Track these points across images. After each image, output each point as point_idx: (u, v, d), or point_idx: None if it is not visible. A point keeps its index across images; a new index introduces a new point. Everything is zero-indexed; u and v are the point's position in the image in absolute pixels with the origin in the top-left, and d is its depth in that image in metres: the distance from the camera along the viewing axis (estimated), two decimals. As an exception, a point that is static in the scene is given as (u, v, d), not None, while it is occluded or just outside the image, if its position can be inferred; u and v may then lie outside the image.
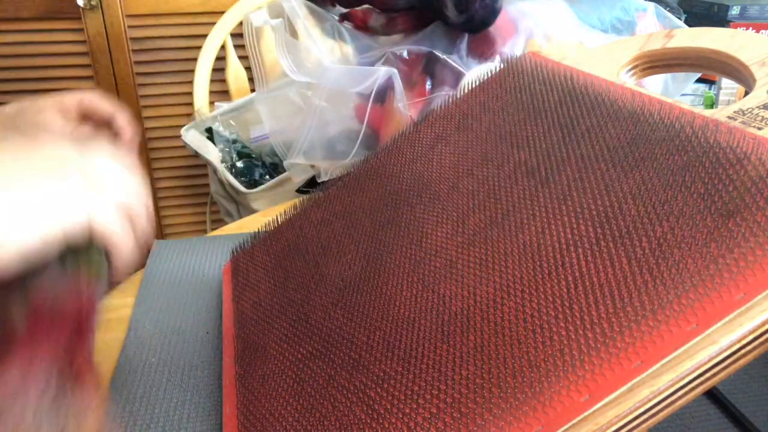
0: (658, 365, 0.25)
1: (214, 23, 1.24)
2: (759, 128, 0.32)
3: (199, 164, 1.52)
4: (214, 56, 1.24)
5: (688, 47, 0.43)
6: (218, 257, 0.61)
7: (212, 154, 1.01)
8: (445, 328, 0.32)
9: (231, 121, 1.07)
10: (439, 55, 0.72)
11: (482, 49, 0.74)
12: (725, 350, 0.25)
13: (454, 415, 0.28)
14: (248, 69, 1.28)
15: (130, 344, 0.49)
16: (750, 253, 0.26)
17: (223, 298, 0.50)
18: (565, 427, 0.25)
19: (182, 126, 1.09)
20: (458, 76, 0.71)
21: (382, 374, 0.32)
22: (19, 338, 0.30)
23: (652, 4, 0.80)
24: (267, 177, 0.99)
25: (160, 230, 1.64)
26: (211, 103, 1.24)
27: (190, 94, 1.23)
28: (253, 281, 0.48)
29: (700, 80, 1.42)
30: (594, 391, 0.25)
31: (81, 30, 1.45)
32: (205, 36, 1.24)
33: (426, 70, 0.74)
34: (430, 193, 0.43)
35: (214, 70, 1.24)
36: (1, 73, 1.45)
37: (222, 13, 1.25)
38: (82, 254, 0.33)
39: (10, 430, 0.27)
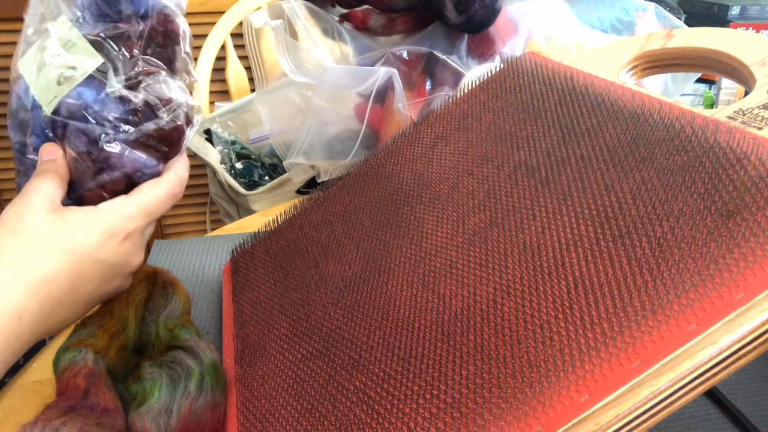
0: (658, 365, 0.25)
1: (214, 23, 1.24)
2: (759, 128, 0.32)
3: (199, 164, 1.51)
4: (214, 56, 1.24)
5: (688, 47, 0.43)
6: (218, 257, 0.61)
7: (211, 155, 1.01)
8: (445, 328, 0.32)
9: (229, 122, 1.06)
10: (439, 55, 0.72)
11: (482, 50, 0.74)
12: (725, 350, 0.25)
13: (454, 415, 0.28)
14: (248, 69, 1.28)
15: (130, 344, 0.48)
16: (750, 253, 0.26)
17: (223, 298, 0.50)
18: (565, 427, 0.25)
19: (182, 126, 1.08)
20: (458, 76, 0.71)
21: (382, 374, 0.32)
22: None
23: (652, 4, 0.80)
24: (266, 178, 0.99)
25: (160, 230, 1.63)
26: (212, 103, 1.23)
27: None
28: (253, 281, 0.48)
29: (700, 80, 1.42)
30: (594, 391, 0.25)
31: (81, 30, 1.44)
32: (205, 36, 1.24)
33: (426, 70, 0.74)
34: (430, 193, 0.43)
35: (214, 70, 1.24)
36: (1, 73, 1.44)
37: (222, 13, 1.25)
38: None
39: None
